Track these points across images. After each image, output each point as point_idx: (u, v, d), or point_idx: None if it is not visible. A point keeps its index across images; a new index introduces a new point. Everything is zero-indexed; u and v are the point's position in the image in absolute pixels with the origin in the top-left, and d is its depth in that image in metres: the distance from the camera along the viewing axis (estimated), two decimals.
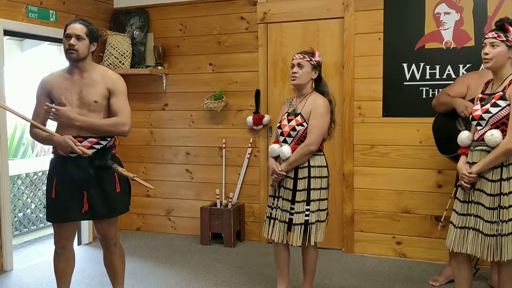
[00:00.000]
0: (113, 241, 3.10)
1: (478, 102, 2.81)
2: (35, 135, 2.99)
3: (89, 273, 4.04)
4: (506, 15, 3.85)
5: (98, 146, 2.92)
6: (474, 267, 3.82)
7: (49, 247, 4.90)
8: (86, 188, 2.90)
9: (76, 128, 2.88)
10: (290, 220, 3.21)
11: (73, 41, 2.88)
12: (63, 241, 3.03)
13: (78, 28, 2.91)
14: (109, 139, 2.99)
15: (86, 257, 4.46)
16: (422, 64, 4.15)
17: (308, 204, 3.19)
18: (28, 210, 5.52)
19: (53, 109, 2.84)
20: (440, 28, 4.10)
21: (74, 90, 2.93)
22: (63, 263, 3.08)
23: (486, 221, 2.68)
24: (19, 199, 5.42)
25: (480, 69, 3.70)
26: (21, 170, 5.63)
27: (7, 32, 4.15)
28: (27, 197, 5.57)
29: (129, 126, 3.00)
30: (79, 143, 2.86)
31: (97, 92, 2.94)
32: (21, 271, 4.15)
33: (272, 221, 3.32)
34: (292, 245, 3.24)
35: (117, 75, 3.06)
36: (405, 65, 4.21)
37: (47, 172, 5.74)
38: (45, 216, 5.59)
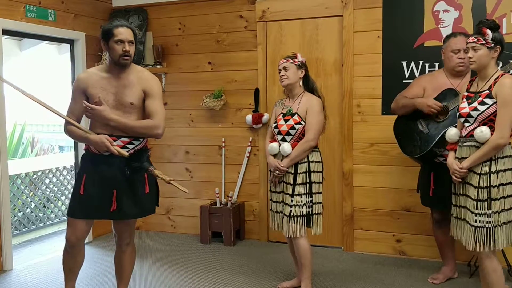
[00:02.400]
0: (126, 241, 3.13)
1: (465, 100, 2.95)
2: (69, 132, 2.98)
3: (89, 272, 4.04)
4: (505, 12, 3.86)
5: (130, 146, 2.94)
6: (474, 264, 3.83)
7: (49, 246, 4.91)
8: (115, 187, 2.91)
9: (109, 127, 2.89)
10: (290, 212, 3.42)
11: (128, 47, 2.87)
12: (75, 239, 3.02)
13: (128, 33, 2.90)
14: (141, 139, 3.00)
15: (86, 256, 4.42)
16: (421, 62, 4.15)
17: (310, 197, 3.41)
18: (28, 210, 5.52)
19: (89, 108, 2.85)
20: (439, 25, 4.09)
21: (111, 91, 2.92)
22: (71, 260, 3.10)
23: (473, 213, 2.84)
24: (18, 199, 5.42)
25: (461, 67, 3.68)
26: (21, 169, 5.63)
27: (5, 32, 4.14)
28: (27, 197, 5.57)
29: (162, 129, 2.98)
30: (114, 143, 2.87)
31: (133, 93, 2.93)
32: (21, 271, 4.15)
33: (277, 214, 3.55)
34: (292, 236, 3.43)
35: (153, 76, 3.06)
36: (404, 63, 4.20)
37: (47, 172, 5.79)
38: (45, 215, 5.66)
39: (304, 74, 3.50)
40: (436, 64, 4.09)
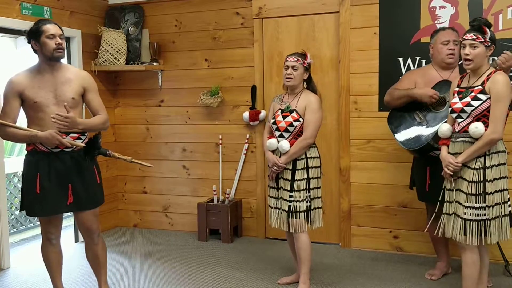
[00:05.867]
0: (97, 233, 3.20)
1: (456, 95, 2.97)
2: (8, 136, 3.02)
3: (86, 270, 4.02)
4: (501, 8, 3.86)
5: (79, 141, 3.03)
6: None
7: None
8: (70, 181, 3.01)
9: (53, 125, 2.93)
10: (289, 207, 3.42)
11: (60, 40, 2.98)
12: (57, 231, 3.19)
13: (58, 28, 3.01)
14: (86, 134, 3.11)
15: (83, 254, 4.42)
16: (418, 58, 4.15)
17: (309, 192, 3.42)
18: None
19: (62, 117, 2.86)
20: (435, 22, 4.10)
21: (49, 89, 3.00)
22: (57, 254, 3.24)
23: (465, 207, 2.88)
24: (15, 197, 5.41)
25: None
26: (18, 167, 5.61)
27: (1, 29, 4.13)
28: None
29: (109, 121, 3.24)
30: (65, 136, 2.94)
31: (73, 89, 3.04)
32: (18, 269, 4.15)
33: (274, 210, 3.57)
34: (293, 231, 3.45)
35: (86, 72, 3.22)
36: (400, 59, 4.21)
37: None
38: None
39: (308, 76, 3.50)
40: None
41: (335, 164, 4.51)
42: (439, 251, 3.76)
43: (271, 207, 3.59)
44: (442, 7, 4.07)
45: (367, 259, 4.21)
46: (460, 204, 2.91)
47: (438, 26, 4.06)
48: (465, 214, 2.87)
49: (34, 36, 2.99)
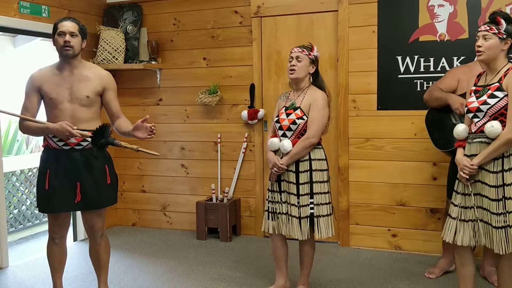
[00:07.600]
0: (100, 233, 3.20)
1: (473, 94, 2.82)
2: (26, 129, 3.08)
3: (85, 269, 4.04)
4: (500, 7, 3.86)
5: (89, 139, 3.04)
6: None
7: (44, 243, 4.86)
8: (79, 180, 3.01)
9: (68, 121, 2.97)
10: (299, 213, 3.23)
11: (68, 38, 2.98)
12: (61, 231, 3.18)
13: (71, 25, 3.01)
14: None
15: (82, 253, 4.45)
16: (416, 57, 4.15)
17: (311, 197, 3.22)
18: (23, 207, 5.51)
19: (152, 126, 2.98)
20: (434, 20, 4.10)
21: (65, 86, 3.02)
22: (59, 254, 3.23)
23: (493, 213, 2.68)
24: (14, 196, 5.41)
25: (475, 59, 3.69)
26: (16, 166, 5.62)
27: None
28: (22, 194, 5.56)
29: None
30: (75, 127, 2.94)
31: (89, 87, 3.05)
32: (17, 268, 4.14)
33: (275, 215, 3.33)
34: (298, 239, 3.27)
35: (107, 72, 3.20)
36: (399, 58, 4.20)
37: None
38: (40, 212, 5.64)
39: (314, 70, 3.29)
40: (432, 59, 4.10)
41: (333, 163, 4.50)
42: (447, 249, 3.71)
43: (269, 212, 3.36)
44: (440, 5, 4.07)
45: (365, 258, 4.21)
46: (489, 211, 2.70)
47: (437, 24, 4.07)
48: (496, 222, 2.66)
49: (52, 32, 3.04)
